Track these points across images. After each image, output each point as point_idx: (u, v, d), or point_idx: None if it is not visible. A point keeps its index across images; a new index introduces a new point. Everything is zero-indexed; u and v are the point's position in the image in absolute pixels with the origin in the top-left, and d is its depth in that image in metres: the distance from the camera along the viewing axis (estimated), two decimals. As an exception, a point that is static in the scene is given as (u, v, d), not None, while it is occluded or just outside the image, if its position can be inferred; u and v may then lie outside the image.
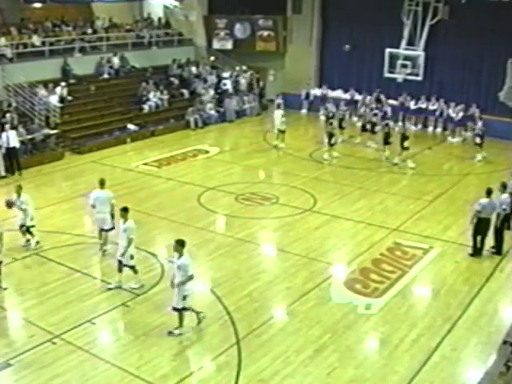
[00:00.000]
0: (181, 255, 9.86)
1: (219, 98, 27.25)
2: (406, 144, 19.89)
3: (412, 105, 25.52)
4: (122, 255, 11.39)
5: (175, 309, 10.02)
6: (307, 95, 28.20)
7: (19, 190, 13.14)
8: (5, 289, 11.31)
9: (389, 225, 15.08)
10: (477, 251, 13.28)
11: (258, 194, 17.32)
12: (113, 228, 12.90)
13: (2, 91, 21.27)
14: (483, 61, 24.53)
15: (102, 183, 12.97)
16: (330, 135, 20.79)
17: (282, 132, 22.38)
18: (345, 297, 11.58)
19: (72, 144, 21.54)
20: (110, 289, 11.53)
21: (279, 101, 25.07)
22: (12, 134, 18.57)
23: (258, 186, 18.22)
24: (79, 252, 13.30)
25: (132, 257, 11.47)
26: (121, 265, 11.52)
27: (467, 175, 19.55)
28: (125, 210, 11.46)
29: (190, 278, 9.88)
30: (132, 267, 11.59)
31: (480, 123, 21.76)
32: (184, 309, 10.02)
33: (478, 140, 21.08)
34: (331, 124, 21.44)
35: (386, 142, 20.75)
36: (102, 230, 13.00)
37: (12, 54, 22.62)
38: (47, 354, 9.49)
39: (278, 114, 22.81)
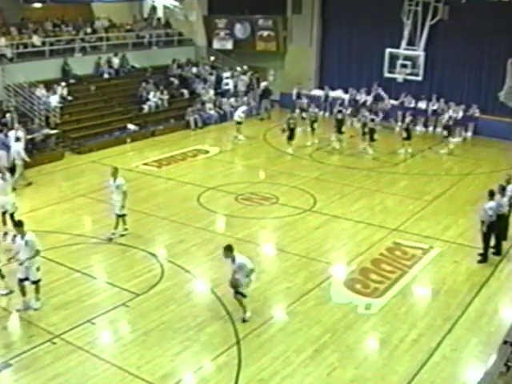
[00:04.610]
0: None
1: (221, 99, 27.30)
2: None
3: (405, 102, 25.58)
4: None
5: (34, 281, 10.67)
6: (298, 95, 27.96)
7: (115, 172, 13.59)
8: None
9: (388, 225, 15.08)
10: (485, 255, 13.00)
11: (258, 194, 17.31)
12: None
13: (2, 91, 21.28)
14: (483, 61, 24.52)
15: (114, 172, 13.66)
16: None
17: (237, 123, 23.48)
18: (345, 297, 11.58)
19: (72, 144, 21.54)
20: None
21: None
22: (19, 134, 18.50)
23: (257, 186, 18.20)
24: (79, 252, 13.31)
25: (38, 269, 10.72)
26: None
27: (467, 175, 19.53)
28: (19, 224, 10.74)
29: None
30: (34, 282, 10.75)
31: (446, 115, 22.51)
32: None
33: (445, 133, 21.84)
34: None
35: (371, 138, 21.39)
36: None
37: (12, 53, 22.61)
38: (47, 353, 9.49)
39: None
